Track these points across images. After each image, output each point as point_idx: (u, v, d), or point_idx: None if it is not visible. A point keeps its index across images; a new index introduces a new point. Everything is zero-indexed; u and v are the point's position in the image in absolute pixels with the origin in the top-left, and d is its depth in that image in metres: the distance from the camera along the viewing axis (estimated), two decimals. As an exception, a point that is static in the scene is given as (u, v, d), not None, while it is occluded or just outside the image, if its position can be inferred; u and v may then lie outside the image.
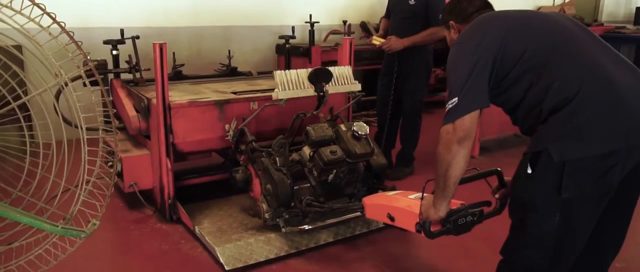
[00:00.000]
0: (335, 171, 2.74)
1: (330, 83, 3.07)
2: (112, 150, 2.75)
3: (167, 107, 3.00)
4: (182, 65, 4.05)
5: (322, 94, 2.98)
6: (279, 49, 5.78)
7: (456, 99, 1.66)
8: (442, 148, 1.69)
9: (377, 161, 2.93)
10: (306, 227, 2.78)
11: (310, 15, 5.41)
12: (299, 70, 2.98)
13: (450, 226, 1.88)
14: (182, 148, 3.14)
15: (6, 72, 1.92)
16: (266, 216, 2.81)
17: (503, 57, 1.69)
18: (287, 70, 2.94)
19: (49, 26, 1.81)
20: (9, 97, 1.65)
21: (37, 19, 1.87)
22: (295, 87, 2.91)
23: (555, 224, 1.62)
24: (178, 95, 3.28)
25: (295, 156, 2.89)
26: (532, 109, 1.67)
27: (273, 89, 3.53)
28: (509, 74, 1.69)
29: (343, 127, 2.76)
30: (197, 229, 2.97)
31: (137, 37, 3.68)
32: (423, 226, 1.89)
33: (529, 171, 1.64)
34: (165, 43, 2.98)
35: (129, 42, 3.71)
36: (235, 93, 3.40)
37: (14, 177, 1.91)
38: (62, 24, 1.93)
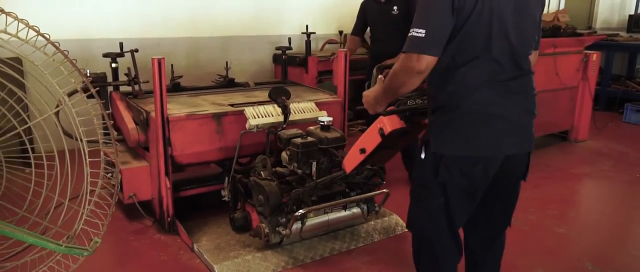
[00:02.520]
0: (314, 162, 2.86)
1: (294, 109, 3.30)
2: (112, 161, 2.81)
3: (165, 121, 3.06)
4: (180, 76, 4.10)
5: (284, 106, 3.18)
6: (276, 58, 5.85)
7: (423, 31, 1.74)
8: (402, 72, 1.82)
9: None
10: (300, 211, 2.80)
11: (307, 26, 5.48)
12: (265, 106, 3.25)
13: (402, 106, 2.11)
14: (180, 160, 3.20)
15: (7, 94, 1.97)
16: (266, 230, 2.86)
17: (455, 33, 1.80)
18: (255, 106, 3.23)
19: (44, 46, 1.87)
20: (15, 122, 1.70)
21: (32, 40, 1.92)
22: (263, 116, 3.17)
23: (441, 202, 1.97)
24: (176, 107, 3.34)
25: (279, 169, 2.99)
26: (431, 91, 1.96)
27: (269, 101, 3.63)
28: (448, 50, 1.82)
29: (311, 127, 3.01)
30: (195, 246, 3.04)
31: (136, 51, 3.73)
32: (381, 114, 2.10)
33: (422, 156, 1.99)
34: (164, 58, 3.04)
35: (128, 54, 3.76)
36: (232, 105, 3.46)
37: (19, 196, 1.96)
38: (57, 44, 1.98)
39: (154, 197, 3.35)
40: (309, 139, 2.86)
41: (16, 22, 1.84)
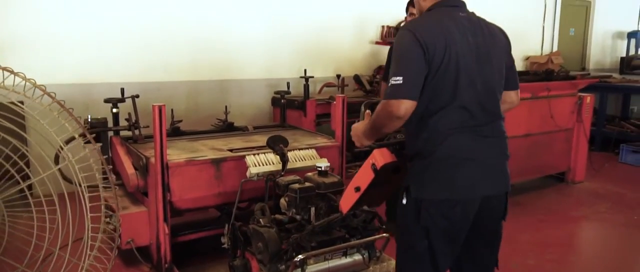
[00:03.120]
0: (313, 207, 2.84)
1: (294, 156, 3.33)
2: (111, 207, 2.83)
3: (165, 167, 3.09)
4: (180, 121, 4.15)
5: (282, 153, 3.20)
6: (275, 102, 5.92)
7: (401, 78, 1.87)
8: (384, 114, 1.92)
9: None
10: (299, 257, 2.70)
11: (305, 70, 5.58)
12: (266, 153, 3.29)
13: (392, 140, 2.21)
14: (179, 206, 3.21)
15: (6, 141, 2.01)
16: None
17: (428, 82, 1.92)
18: (256, 154, 3.27)
19: (41, 96, 1.92)
20: (18, 177, 1.73)
21: (30, 92, 1.98)
22: (264, 164, 3.20)
23: (425, 245, 2.03)
24: (176, 153, 3.37)
25: (278, 216, 2.98)
26: (409, 139, 2.07)
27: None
28: (422, 100, 1.94)
29: (309, 173, 3.00)
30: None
31: (137, 96, 3.80)
32: (370, 147, 2.15)
33: (404, 201, 2.06)
34: (164, 105, 3.10)
35: (129, 98, 3.82)
36: (231, 150, 3.50)
37: (23, 241, 1.96)
38: (53, 94, 2.04)
39: (151, 243, 3.34)
40: (307, 184, 2.87)
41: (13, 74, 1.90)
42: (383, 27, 6.94)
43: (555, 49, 9.43)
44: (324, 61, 6.56)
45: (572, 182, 5.70)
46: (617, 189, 5.55)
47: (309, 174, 3.00)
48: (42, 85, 1.98)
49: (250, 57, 6.05)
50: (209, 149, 3.54)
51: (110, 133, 3.80)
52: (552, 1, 9.31)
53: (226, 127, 4.31)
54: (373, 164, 2.17)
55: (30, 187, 2.47)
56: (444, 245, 2.05)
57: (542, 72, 5.52)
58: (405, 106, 1.87)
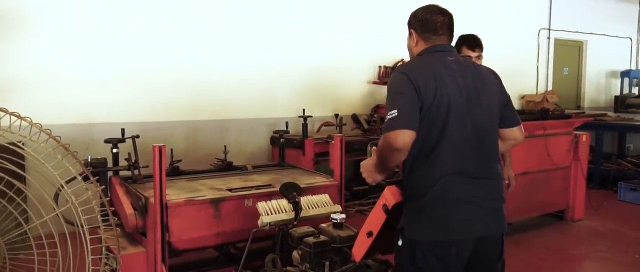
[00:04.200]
0: (327, 262, 2.74)
1: (307, 203, 3.26)
2: (110, 249, 2.81)
3: (164, 207, 3.09)
4: (180, 161, 4.18)
5: (295, 203, 3.11)
6: (274, 141, 5.97)
7: (396, 112, 1.94)
8: (386, 148, 1.97)
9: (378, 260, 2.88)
10: None
11: (304, 110, 5.65)
12: (278, 200, 3.21)
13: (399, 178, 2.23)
14: (177, 246, 3.19)
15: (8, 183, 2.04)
16: None
17: (421, 124, 1.97)
18: (268, 201, 3.19)
19: (47, 141, 1.95)
20: (21, 219, 1.75)
21: (35, 136, 2.01)
22: (276, 213, 3.12)
23: None
24: (175, 193, 3.38)
25: (290, 268, 2.90)
26: (404, 182, 2.09)
27: (268, 185, 3.67)
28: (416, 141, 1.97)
29: (323, 224, 2.89)
30: None
31: (138, 137, 3.83)
32: (379, 185, 2.20)
33: (399, 243, 2.10)
34: (165, 146, 3.13)
35: (129, 139, 3.86)
36: (230, 190, 3.51)
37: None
38: (59, 138, 2.07)
39: (149, 284, 3.31)
40: (322, 238, 2.75)
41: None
42: (380, 67, 7.08)
43: (550, 88, 9.58)
44: (323, 101, 6.65)
45: (572, 220, 5.68)
46: (618, 227, 5.53)
47: (324, 225, 2.89)
48: (47, 129, 2.02)
49: (249, 97, 6.14)
50: (209, 189, 3.55)
51: (110, 173, 3.81)
52: (546, 41, 9.52)
53: (225, 167, 4.33)
54: (384, 205, 2.20)
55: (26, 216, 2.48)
56: None
57: (537, 111, 5.59)
58: (403, 136, 1.91)
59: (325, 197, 3.40)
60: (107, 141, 3.82)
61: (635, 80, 10.84)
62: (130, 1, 5.35)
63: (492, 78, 2.22)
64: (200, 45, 5.76)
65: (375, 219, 2.32)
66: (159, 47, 5.51)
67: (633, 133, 7.97)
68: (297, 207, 3.10)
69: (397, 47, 7.21)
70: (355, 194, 5.88)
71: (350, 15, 6.90)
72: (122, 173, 3.86)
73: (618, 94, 10.51)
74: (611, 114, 8.80)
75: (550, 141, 5.26)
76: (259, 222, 3.06)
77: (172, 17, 5.58)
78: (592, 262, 4.61)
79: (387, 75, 6.97)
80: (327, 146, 5.45)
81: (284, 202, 3.17)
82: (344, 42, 6.85)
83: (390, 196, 2.19)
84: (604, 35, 10.43)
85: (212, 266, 3.70)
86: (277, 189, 3.59)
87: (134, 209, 3.42)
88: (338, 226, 2.81)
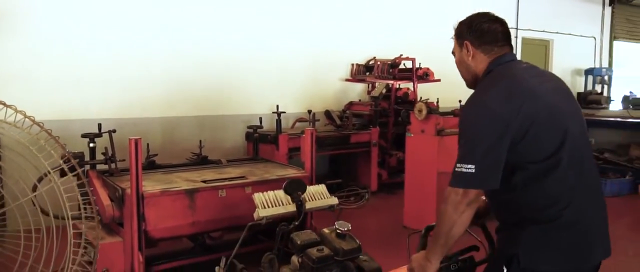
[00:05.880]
0: None
1: (306, 195, 3.15)
2: (88, 239, 2.94)
3: (140, 197, 3.23)
4: (156, 154, 4.30)
5: (299, 203, 3.00)
6: (248, 136, 6.12)
7: (473, 167, 1.66)
8: (450, 208, 1.71)
9: (371, 265, 2.68)
10: None
11: (278, 106, 5.81)
12: (275, 191, 3.08)
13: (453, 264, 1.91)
14: (153, 235, 3.34)
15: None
16: None
17: (521, 148, 1.69)
18: (265, 192, 3.04)
19: (30, 126, 2.07)
20: None
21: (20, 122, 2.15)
22: (273, 205, 3.00)
23: None
24: (151, 184, 3.52)
25: (285, 269, 2.73)
26: (513, 204, 1.78)
27: (241, 177, 3.83)
28: (516, 164, 1.71)
29: (326, 230, 2.73)
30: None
31: (114, 131, 3.95)
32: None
33: (505, 269, 1.76)
34: (141, 138, 3.27)
35: (105, 133, 3.97)
36: (205, 182, 3.66)
37: None
38: (41, 124, 2.19)
39: (126, 272, 3.45)
40: (325, 251, 2.58)
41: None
42: (353, 65, 7.28)
43: (517, 85, 9.90)
44: (296, 97, 6.82)
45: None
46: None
47: (326, 231, 2.72)
48: (31, 116, 2.15)
49: (224, 94, 6.27)
50: (183, 181, 3.70)
51: (87, 167, 3.92)
52: (513, 39, 9.82)
53: (200, 161, 4.48)
54: None
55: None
56: None
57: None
58: (480, 191, 1.71)
59: (321, 188, 3.34)
60: (83, 135, 3.93)
61: (598, 78, 11.30)
62: (108, 2, 5.44)
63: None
64: (176, 42, 5.87)
65: None
66: (135, 44, 5.60)
67: (594, 127, 8.35)
68: (300, 208, 2.97)
69: (369, 45, 7.46)
70: (328, 188, 6.06)
71: (324, 14, 7.08)
72: (99, 167, 3.98)
73: (582, 90, 10.94)
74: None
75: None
76: (255, 215, 2.95)
77: (148, 15, 5.68)
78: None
79: (359, 73, 7.19)
80: (300, 141, 5.61)
81: (280, 193, 3.06)
82: (318, 40, 7.03)
83: None
84: (569, 34, 10.82)
85: (188, 256, 3.84)
86: (250, 180, 3.78)
87: (111, 200, 3.55)
88: (341, 236, 2.64)
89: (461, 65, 1.99)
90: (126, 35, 5.55)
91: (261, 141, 5.33)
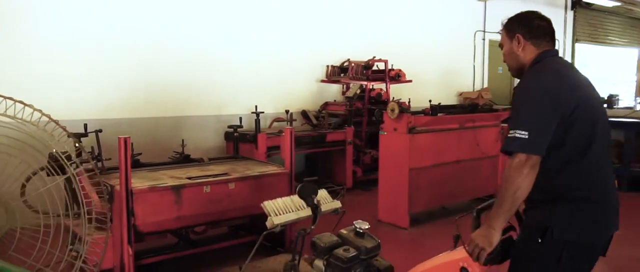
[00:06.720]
0: None
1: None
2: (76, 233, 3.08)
3: (129, 193, 3.40)
4: (140, 153, 4.45)
5: (315, 206, 2.94)
6: (228, 136, 6.29)
7: (526, 133, 1.89)
8: (514, 172, 1.91)
9: (382, 263, 2.70)
10: None
11: (256, 107, 6.00)
12: (283, 198, 3.04)
13: (496, 252, 2.04)
14: (142, 229, 3.50)
15: None
16: None
17: (565, 128, 1.94)
18: (273, 200, 3.00)
19: (44, 122, 2.16)
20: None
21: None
22: (284, 211, 2.97)
23: None
24: (138, 181, 3.67)
25: None
26: (547, 185, 1.99)
27: (224, 174, 4.01)
28: (553, 145, 1.94)
29: (344, 230, 2.69)
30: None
31: (100, 131, 4.09)
32: (478, 257, 2.03)
33: (539, 240, 1.99)
34: (129, 137, 3.43)
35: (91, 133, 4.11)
36: (190, 178, 3.84)
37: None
38: (49, 115, 2.32)
39: (115, 266, 3.59)
40: (351, 251, 2.55)
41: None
42: (328, 66, 7.53)
43: (485, 85, 10.32)
44: (274, 98, 7.02)
45: (500, 204, 6.29)
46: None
47: (344, 232, 2.68)
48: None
49: (204, 95, 6.44)
50: (169, 178, 3.87)
51: (74, 165, 4.04)
52: (481, 42, 10.25)
53: (183, 159, 4.64)
54: (464, 269, 2.11)
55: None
56: None
57: (468, 106, 6.18)
58: (537, 158, 1.91)
59: (323, 192, 3.19)
60: (70, 135, 4.05)
61: (561, 78, 11.81)
62: (89, 1, 5.54)
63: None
64: (157, 44, 6.00)
65: None
66: (118, 46, 5.72)
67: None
68: (315, 211, 2.92)
69: (344, 48, 7.71)
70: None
71: (300, 17, 7.30)
72: (85, 166, 4.10)
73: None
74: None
75: (479, 132, 5.85)
76: (268, 223, 2.90)
77: (130, 17, 5.81)
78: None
79: (334, 74, 7.43)
80: (278, 140, 5.80)
81: (288, 200, 3.03)
82: (294, 42, 7.25)
83: (475, 264, 2.07)
84: (534, 36, 11.31)
85: (173, 250, 4.01)
86: (233, 176, 3.97)
87: (99, 196, 3.69)
88: (360, 235, 2.61)
89: (510, 55, 2.23)
90: (108, 36, 5.67)
91: (240, 140, 5.51)
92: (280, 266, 3.08)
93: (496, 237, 1.99)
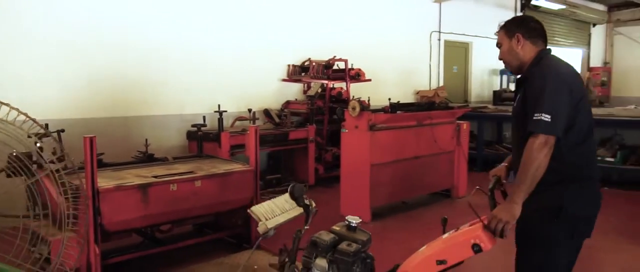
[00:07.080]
0: (355, 267, 2.56)
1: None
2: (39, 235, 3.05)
3: (95, 192, 3.39)
4: (102, 154, 4.41)
5: (307, 206, 2.87)
6: (190, 135, 6.29)
7: (550, 117, 2.12)
8: (536, 152, 2.13)
9: (369, 254, 2.69)
10: None
11: (219, 106, 6.03)
12: (267, 202, 3.03)
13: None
14: (109, 228, 3.50)
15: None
16: None
17: (575, 114, 2.23)
18: (262, 203, 3.00)
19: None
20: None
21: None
22: (273, 215, 2.95)
23: (566, 262, 2.35)
24: (104, 180, 3.67)
25: None
26: (557, 167, 2.21)
27: (190, 172, 4.05)
28: (570, 126, 2.22)
29: (335, 227, 2.69)
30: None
31: (63, 131, 4.05)
32: (495, 230, 2.17)
33: (555, 219, 2.24)
34: (95, 136, 3.43)
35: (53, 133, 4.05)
36: (156, 177, 3.86)
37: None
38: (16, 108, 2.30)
39: (80, 266, 3.57)
40: (354, 246, 2.54)
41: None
42: (289, 66, 7.62)
43: (441, 83, 10.66)
44: (236, 97, 7.05)
45: (456, 197, 6.57)
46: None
47: (336, 227, 2.68)
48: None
49: (165, 94, 6.41)
50: (135, 177, 3.88)
51: (35, 166, 3.98)
52: (436, 43, 10.59)
53: (147, 159, 4.63)
54: (476, 245, 2.20)
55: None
56: (573, 259, 2.39)
57: (425, 104, 6.41)
58: (554, 139, 2.15)
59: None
60: (31, 135, 3.98)
61: (511, 77, 12.33)
62: (50, 1, 5.44)
63: None
64: (116, 43, 5.94)
65: (457, 252, 2.28)
66: (77, 46, 5.63)
67: (508, 122, 9.20)
68: (308, 211, 2.86)
69: (305, 47, 7.83)
70: (268, 182, 6.37)
71: (261, 16, 7.37)
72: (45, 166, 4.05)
73: (497, 88, 11.93)
74: (490, 106, 10.03)
75: (436, 128, 6.08)
76: (260, 229, 2.87)
77: (91, 16, 5.72)
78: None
79: (295, 73, 7.53)
80: (241, 138, 5.86)
81: (271, 204, 3.02)
82: (255, 41, 7.30)
83: (487, 240, 2.18)
84: (486, 37, 11.71)
85: (140, 249, 4.01)
86: (199, 174, 4.01)
87: (65, 197, 3.66)
88: (352, 229, 2.60)
89: (509, 53, 2.46)
90: (67, 36, 5.57)
91: (204, 139, 5.54)
92: (245, 261, 3.06)
93: (518, 211, 2.16)
